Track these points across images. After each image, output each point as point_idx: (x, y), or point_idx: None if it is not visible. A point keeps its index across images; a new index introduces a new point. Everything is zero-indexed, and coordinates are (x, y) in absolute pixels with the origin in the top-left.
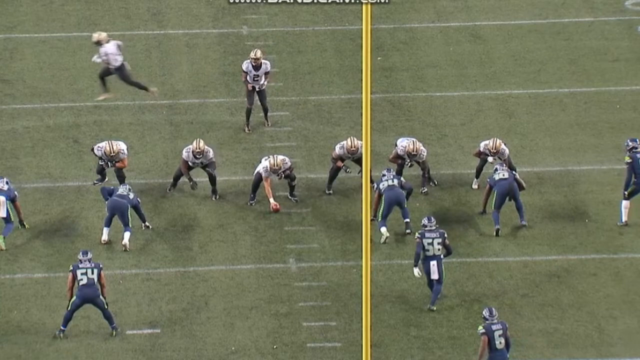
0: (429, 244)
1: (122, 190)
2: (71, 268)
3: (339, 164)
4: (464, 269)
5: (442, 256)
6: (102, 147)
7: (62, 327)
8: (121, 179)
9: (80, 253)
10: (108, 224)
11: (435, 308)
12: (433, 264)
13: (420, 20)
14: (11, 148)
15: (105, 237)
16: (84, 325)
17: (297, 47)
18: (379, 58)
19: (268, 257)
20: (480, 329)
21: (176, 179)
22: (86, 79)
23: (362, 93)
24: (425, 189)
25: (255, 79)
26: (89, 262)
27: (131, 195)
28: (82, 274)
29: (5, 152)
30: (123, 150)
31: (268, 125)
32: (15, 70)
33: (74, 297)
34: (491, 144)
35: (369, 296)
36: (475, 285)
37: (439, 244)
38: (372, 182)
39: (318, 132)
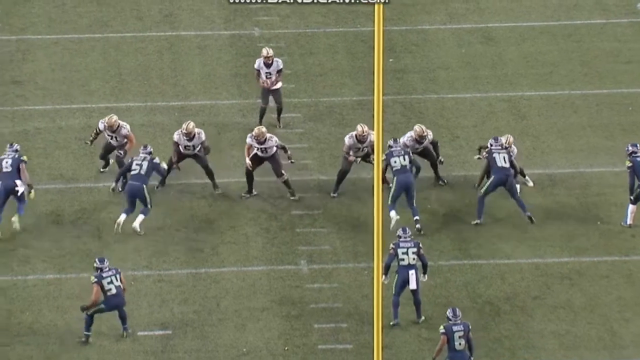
0: (403, 253)
1: (135, 168)
2: (95, 279)
3: (350, 158)
4: (475, 270)
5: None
6: (105, 119)
7: (87, 333)
8: (121, 165)
9: (97, 261)
10: (128, 211)
11: (423, 318)
12: (412, 273)
13: (432, 22)
14: (23, 149)
15: (120, 220)
16: (95, 326)
17: (308, 48)
18: (390, 60)
19: (279, 258)
20: (441, 329)
21: (169, 167)
22: (98, 80)
23: (373, 95)
24: (441, 182)
25: (268, 76)
26: (109, 269)
27: (144, 168)
28: (108, 283)
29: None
30: (125, 126)
31: (280, 127)
32: (27, 72)
33: (101, 306)
34: (504, 139)
35: (380, 298)
36: (486, 287)
37: (413, 253)
38: (384, 182)
39: (330, 134)
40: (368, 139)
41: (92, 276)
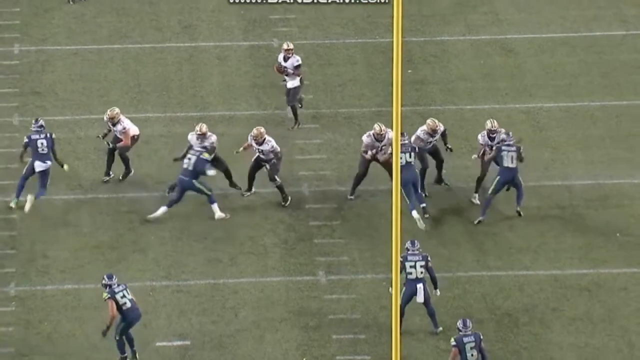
0: (411, 266)
1: (185, 162)
2: (108, 295)
3: (367, 156)
4: (493, 282)
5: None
6: (108, 111)
7: (122, 356)
8: (125, 161)
9: (106, 278)
10: (171, 203)
11: (441, 328)
12: (419, 287)
13: (451, 33)
14: None
15: (156, 214)
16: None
17: (327, 59)
18: (409, 71)
19: (298, 269)
20: (452, 341)
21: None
22: (117, 91)
23: (392, 106)
24: (445, 183)
25: (285, 70)
26: (118, 284)
27: (192, 163)
28: (122, 297)
29: None
30: (124, 121)
31: (292, 127)
32: (46, 83)
33: (121, 323)
34: (489, 122)
35: (398, 309)
36: (505, 299)
37: (421, 266)
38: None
39: (348, 145)
40: (386, 137)
41: (104, 293)
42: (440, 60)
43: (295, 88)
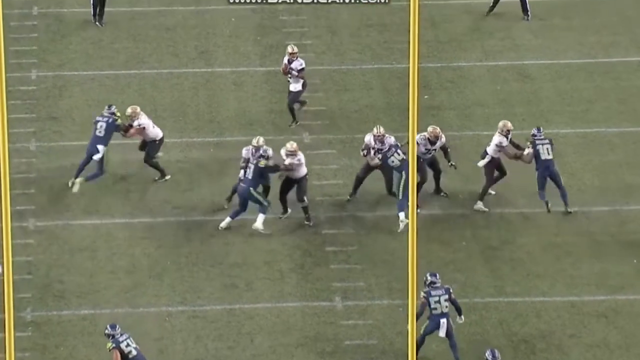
0: (436, 302)
1: (243, 173)
2: (113, 345)
3: (373, 162)
4: (510, 308)
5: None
6: (130, 107)
7: None
8: (155, 166)
9: (109, 328)
10: (236, 213)
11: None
12: (443, 322)
13: (468, 59)
14: (59, 185)
15: (224, 224)
16: None
17: (343, 85)
18: (425, 96)
19: (314, 294)
20: None
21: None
22: None
23: (408, 131)
24: (444, 193)
25: (289, 72)
26: (121, 334)
27: (250, 172)
28: (126, 346)
29: (53, 188)
30: (141, 117)
31: (290, 124)
32: (64, 108)
33: None
34: (501, 124)
35: (414, 335)
36: (522, 325)
37: (445, 300)
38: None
39: None
40: (386, 142)
41: (108, 343)
42: (456, 85)
43: (297, 92)
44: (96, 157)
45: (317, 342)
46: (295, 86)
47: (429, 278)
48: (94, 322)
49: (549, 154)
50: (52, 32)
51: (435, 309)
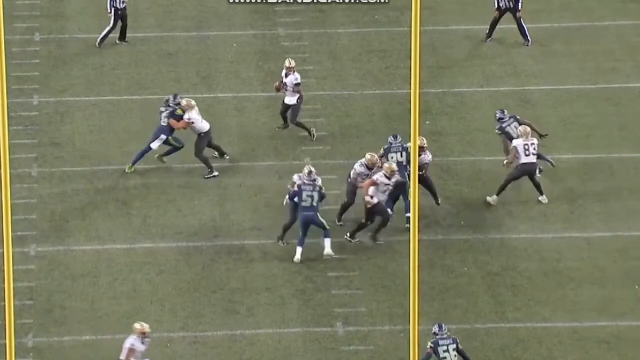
0: (444, 351)
1: (306, 200)
2: None
3: (359, 184)
4: (512, 334)
5: None
6: (186, 99)
7: None
8: (205, 161)
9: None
10: (301, 242)
11: None
12: None
13: (469, 85)
14: (61, 211)
15: (298, 256)
16: None
17: (345, 111)
18: (427, 122)
19: (315, 320)
20: None
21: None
22: (136, 142)
23: (410, 157)
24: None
25: (284, 86)
26: None
27: (316, 199)
28: None
29: (55, 215)
30: (193, 110)
31: (312, 138)
32: (65, 134)
33: None
34: (522, 129)
35: None
36: (524, 351)
37: (454, 350)
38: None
39: None
40: (376, 168)
41: None
42: (458, 111)
43: (294, 106)
44: (154, 145)
45: None
46: (291, 100)
47: (435, 329)
48: (96, 348)
49: (516, 129)
50: (54, 58)
51: (445, 358)
